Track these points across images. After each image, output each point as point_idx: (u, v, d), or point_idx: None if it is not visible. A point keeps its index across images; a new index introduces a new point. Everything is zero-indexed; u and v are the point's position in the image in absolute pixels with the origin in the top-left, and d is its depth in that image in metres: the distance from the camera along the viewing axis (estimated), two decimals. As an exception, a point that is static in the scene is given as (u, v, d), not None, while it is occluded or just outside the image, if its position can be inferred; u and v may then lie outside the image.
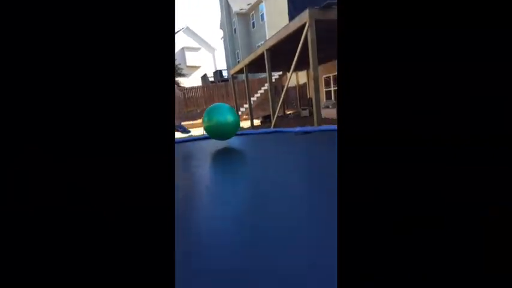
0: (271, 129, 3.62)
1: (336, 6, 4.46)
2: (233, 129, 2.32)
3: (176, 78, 16.83)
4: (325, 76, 9.94)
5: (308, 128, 2.52)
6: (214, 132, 2.34)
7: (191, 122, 12.15)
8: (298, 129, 2.55)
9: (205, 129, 2.36)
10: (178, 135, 3.40)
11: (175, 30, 22.75)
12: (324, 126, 2.57)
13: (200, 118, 12.55)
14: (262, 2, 14.83)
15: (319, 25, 4.49)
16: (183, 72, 17.36)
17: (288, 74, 5.91)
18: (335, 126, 2.54)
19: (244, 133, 3.75)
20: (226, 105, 2.31)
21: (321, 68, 9.46)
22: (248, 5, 16.68)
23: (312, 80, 4.68)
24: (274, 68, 7.30)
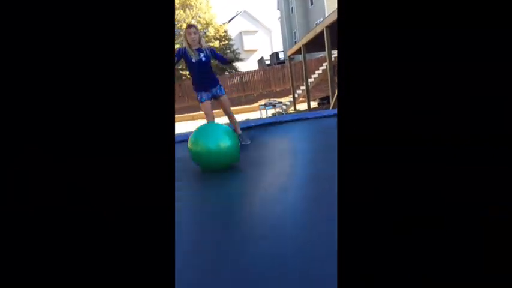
0: (331, 110, 3.42)
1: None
2: (229, 159, 1.79)
3: (234, 63, 17.16)
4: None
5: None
6: (204, 161, 1.79)
7: (248, 106, 12.37)
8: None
9: (192, 154, 1.80)
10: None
11: (233, 15, 23.01)
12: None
13: (257, 102, 12.68)
14: (321, -25, 13.94)
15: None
16: (241, 56, 17.61)
17: (350, 52, 5.48)
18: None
19: (303, 117, 3.61)
20: (222, 125, 1.86)
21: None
22: (306, -19, 15.88)
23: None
24: (334, 46, 6.87)
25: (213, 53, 2.64)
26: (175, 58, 2.51)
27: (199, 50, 2.53)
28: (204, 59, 2.54)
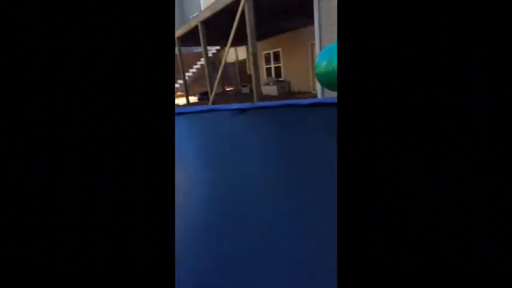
0: (208, 106, 3.48)
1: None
2: None
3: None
4: (265, 52, 9.95)
5: (245, 105, 2.47)
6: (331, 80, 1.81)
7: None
8: (235, 105, 2.48)
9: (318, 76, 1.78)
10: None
11: None
12: (263, 103, 2.55)
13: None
14: (195, -31, 13.85)
15: (256, -2, 4.36)
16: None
17: (226, 49, 5.70)
18: (274, 103, 2.55)
19: (180, 111, 3.52)
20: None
21: (261, 44, 9.40)
22: (180, -29, 15.42)
23: (251, 56, 4.61)
24: (210, 42, 6.97)
25: None
26: None
27: None
28: None
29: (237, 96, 9.21)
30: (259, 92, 4.68)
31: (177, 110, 3.57)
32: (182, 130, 2.63)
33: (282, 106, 2.25)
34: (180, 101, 10.07)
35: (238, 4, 4.52)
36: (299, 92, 8.11)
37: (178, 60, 8.98)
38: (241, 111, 2.52)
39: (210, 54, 6.84)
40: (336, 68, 1.94)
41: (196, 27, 6.40)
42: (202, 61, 10.74)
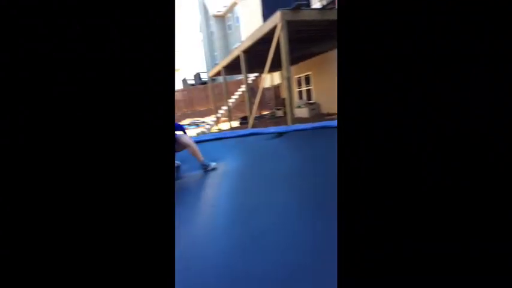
0: (248, 130, 3.64)
1: (305, 8, 4.57)
2: None
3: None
4: (296, 76, 10.12)
5: (281, 128, 2.56)
6: None
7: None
8: (272, 129, 2.58)
9: None
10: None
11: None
12: (296, 126, 2.62)
13: (181, 121, 12.37)
14: (237, 4, 14.87)
15: (291, 26, 4.57)
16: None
17: (263, 75, 5.97)
18: (307, 125, 2.61)
19: (222, 136, 3.74)
20: None
21: (293, 68, 9.60)
22: (224, 7, 16.68)
23: (285, 80, 4.76)
24: (250, 70, 7.34)
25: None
26: None
27: None
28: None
29: (272, 119, 9.37)
30: (292, 115, 4.76)
31: (223, 135, 3.79)
32: (227, 152, 2.79)
33: (314, 128, 2.31)
34: (223, 126, 10.56)
35: (274, 32, 4.78)
36: (328, 114, 8.01)
37: (224, 88, 9.52)
38: (279, 134, 2.64)
39: (249, 81, 7.18)
40: None
41: (238, 56, 6.83)
42: (243, 88, 11.24)
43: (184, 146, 2.37)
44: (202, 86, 15.44)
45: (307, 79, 9.61)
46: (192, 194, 1.90)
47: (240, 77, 13.24)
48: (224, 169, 2.23)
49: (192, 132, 8.95)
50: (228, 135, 3.83)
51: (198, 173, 2.30)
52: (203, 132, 8.84)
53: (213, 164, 2.34)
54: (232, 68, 8.46)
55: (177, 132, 2.32)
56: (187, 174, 2.33)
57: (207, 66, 18.48)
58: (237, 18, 15.42)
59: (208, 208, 1.62)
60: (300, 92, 10.25)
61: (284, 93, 8.67)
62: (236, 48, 7.05)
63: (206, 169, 2.30)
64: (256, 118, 7.14)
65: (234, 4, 15.21)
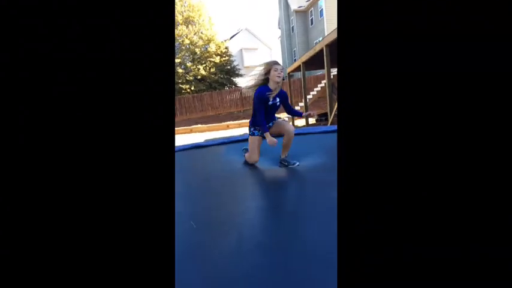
0: (331, 127, 3.43)
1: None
2: None
3: (234, 79, 17.39)
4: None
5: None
6: None
7: (247, 121, 12.39)
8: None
9: None
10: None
11: (235, 32, 23.53)
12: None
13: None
14: (321, -3, 14.42)
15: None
16: (241, 72, 17.86)
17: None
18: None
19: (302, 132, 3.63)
20: None
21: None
22: (307, 1, 16.39)
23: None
24: (333, 64, 7.00)
25: (285, 98, 2.28)
26: (260, 108, 2.10)
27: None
28: (278, 104, 2.21)
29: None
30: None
31: (307, 130, 3.69)
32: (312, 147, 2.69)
33: None
34: (299, 122, 10.42)
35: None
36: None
37: (302, 83, 9.36)
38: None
39: (331, 76, 6.85)
40: None
41: (321, 50, 6.58)
42: (323, 83, 10.83)
43: (281, 133, 2.22)
44: (279, 82, 15.59)
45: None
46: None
47: (319, 72, 12.84)
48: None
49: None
50: (307, 131, 3.70)
51: (273, 167, 2.23)
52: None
53: (296, 163, 2.18)
54: (313, 63, 8.23)
55: (285, 118, 2.28)
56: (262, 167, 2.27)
57: (285, 63, 18.52)
58: (321, 11, 14.96)
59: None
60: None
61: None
62: (318, 42, 6.80)
63: (285, 165, 2.19)
64: (336, 115, 6.79)
65: (318, -2, 14.78)
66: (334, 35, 5.64)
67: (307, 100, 9.48)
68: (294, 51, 18.06)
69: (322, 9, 14.85)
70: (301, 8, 16.83)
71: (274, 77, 2.08)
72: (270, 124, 2.26)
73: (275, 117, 2.33)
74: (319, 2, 15.06)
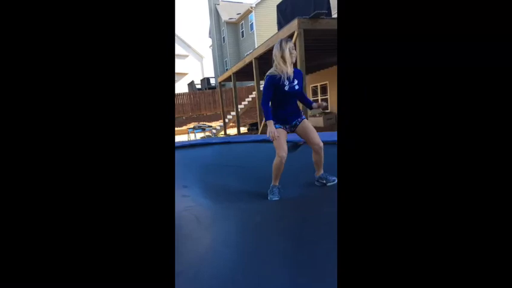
0: (260, 136, 3.56)
1: (324, 17, 4.53)
2: None
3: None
4: (312, 86, 10.08)
5: (292, 137, 2.46)
6: None
7: (178, 128, 11.96)
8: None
9: None
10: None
11: (164, 37, 22.52)
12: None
13: (186, 125, 12.39)
14: (251, 11, 15.02)
15: (308, 35, 4.53)
16: (170, 78, 17.13)
17: (276, 83, 5.91)
18: (323, 134, 2.53)
19: (231, 141, 3.66)
20: None
21: (308, 77, 9.56)
22: (238, 14, 16.86)
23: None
24: (262, 77, 7.33)
25: (301, 79, 1.94)
26: (267, 92, 1.82)
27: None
28: (297, 87, 1.88)
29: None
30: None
31: (234, 139, 3.72)
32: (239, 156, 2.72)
33: (327, 142, 2.21)
34: (231, 131, 10.52)
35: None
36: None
37: (233, 93, 9.49)
38: (295, 145, 2.57)
39: (261, 88, 7.15)
40: None
41: (250, 62, 6.81)
42: (254, 94, 11.22)
43: (307, 144, 1.97)
44: (210, 90, 15.51)
45: (324, 88, 9.56)
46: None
47: (251, 83, 13.27)
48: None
49: (197, 136, 8.91)
50: (236, 140, 3.76)
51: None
52: (208, 137, 8.80)
53: (335, 180, 1.92)
54: (244, 74, 8.47)
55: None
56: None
57: (217, 72, 18.60)
58: (251, 25, 15.56)
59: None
60: (316, 101, 10.24)
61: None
62: (248, 54, 7.04)
63: (323, 184, 1.93)
64: (266, 125, 7.08)
65: (249, 12, 15.37)
66: (263, 49, 5.93)
67: (239, 110, 9.68)
68: (226, 61, 18.29)
69: (252, 23, 15.47)
70: (232, 20, 17.22)
71: (289, 58, 1.80)
72: (295, 122, 1.96)
73: (299, 110, 2.00)
74: (249, 16, 15.66)
